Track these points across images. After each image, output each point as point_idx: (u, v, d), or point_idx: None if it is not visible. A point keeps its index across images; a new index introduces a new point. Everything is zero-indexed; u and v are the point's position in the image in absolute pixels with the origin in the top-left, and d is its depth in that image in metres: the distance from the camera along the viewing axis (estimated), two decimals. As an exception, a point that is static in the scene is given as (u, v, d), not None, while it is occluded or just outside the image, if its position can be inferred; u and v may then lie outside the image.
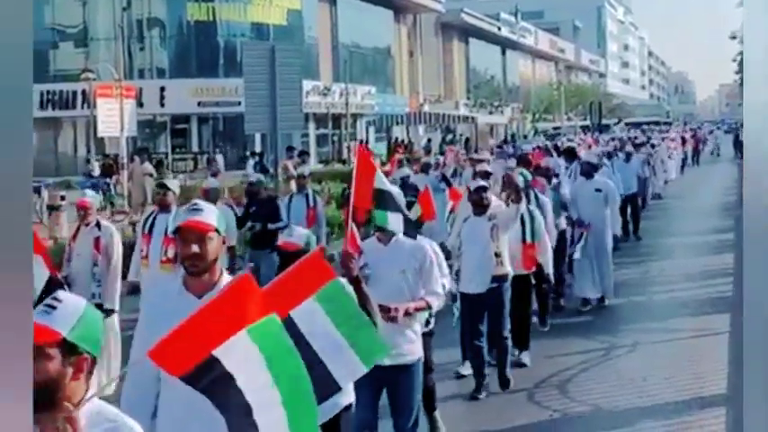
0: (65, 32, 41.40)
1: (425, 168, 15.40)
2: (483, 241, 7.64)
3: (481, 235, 7.67)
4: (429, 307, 5.48)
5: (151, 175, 22.23)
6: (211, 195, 9.70)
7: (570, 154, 14.76)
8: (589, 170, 11.37)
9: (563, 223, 10.78)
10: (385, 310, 4.83)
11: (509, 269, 7.84)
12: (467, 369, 8.19)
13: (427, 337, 6.22)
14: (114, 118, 27.42)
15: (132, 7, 40.49)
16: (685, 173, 33.80)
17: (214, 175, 16.86)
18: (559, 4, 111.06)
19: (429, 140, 48.07)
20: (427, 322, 6.34)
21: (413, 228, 8.86)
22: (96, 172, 27.37)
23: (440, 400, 6.91)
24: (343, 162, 37.60)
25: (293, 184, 18.59)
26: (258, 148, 33.56)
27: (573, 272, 11.15)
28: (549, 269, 8.93)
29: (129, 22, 40.58)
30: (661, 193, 24.24)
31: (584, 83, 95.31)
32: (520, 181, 9.31)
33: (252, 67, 15.43)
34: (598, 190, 11.13)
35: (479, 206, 7.78)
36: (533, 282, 8.84)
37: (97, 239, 7.96)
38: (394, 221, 5.42)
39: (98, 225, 8.07)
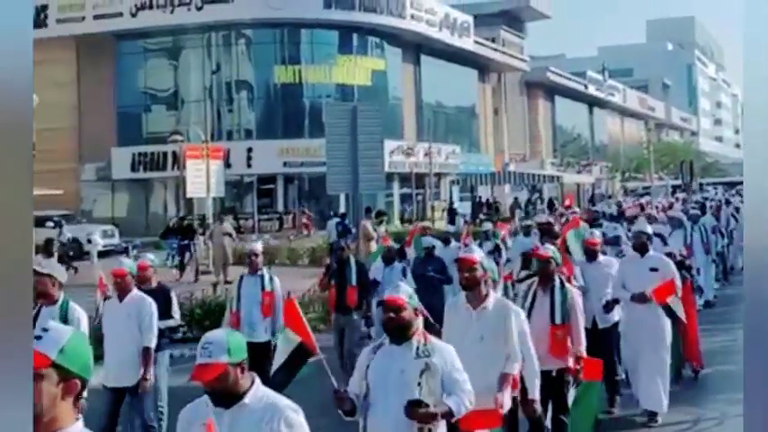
0: (156, 96, 42.73)
1: (446, 240, 14.33)
2: (402, 391, 4.62)
3: (401, 379, 4.67)
4: None
5: (230, 235, 22.48)
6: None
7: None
8: (642, 244, 8.93)
9: (614, 315, 9.08)
10: None
11: None
12: None
13: None
14: (202, 179, 27.98)
15: (221, 71, 41.70)
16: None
17: None
18: (648, 62, 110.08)
19: (516, 199, 47.75)
20: None
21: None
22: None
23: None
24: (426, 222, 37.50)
25: (373, 245, 18.62)
26: (342, 208, 33.76)
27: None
28: (536, 395, 6.24)
29: (218, 84, 41.80)
30: (734, 265, 19.88)
31: (676, 141, 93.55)
32: (554, 258, 7.37)
33: (333, 127, 15.49)
34: (654, 269, 8.75)
35: (393, 334, 4.78)
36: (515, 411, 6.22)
37: None
38: None
39: None
